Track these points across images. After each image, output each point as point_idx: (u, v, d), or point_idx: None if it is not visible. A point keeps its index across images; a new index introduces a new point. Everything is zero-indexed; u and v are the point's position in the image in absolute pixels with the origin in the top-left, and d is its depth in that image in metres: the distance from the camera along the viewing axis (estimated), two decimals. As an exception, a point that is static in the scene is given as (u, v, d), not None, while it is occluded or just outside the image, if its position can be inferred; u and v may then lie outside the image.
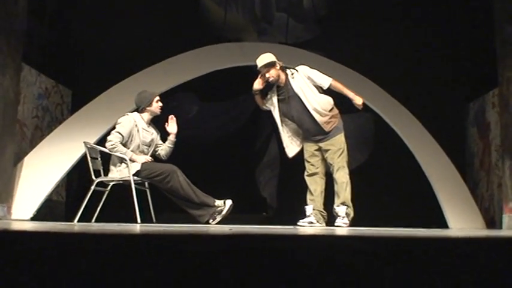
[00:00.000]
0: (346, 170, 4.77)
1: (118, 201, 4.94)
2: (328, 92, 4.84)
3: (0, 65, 5.21)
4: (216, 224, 4.60)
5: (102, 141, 5.23)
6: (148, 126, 4.93)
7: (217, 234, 1.87)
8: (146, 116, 4.92)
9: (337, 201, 4.75)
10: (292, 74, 4.82)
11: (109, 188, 4.97)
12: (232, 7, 7.60)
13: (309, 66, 4.90)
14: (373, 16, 7.29)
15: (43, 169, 5.79)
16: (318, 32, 7.60)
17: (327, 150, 4.80)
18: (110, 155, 4.77)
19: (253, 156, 7.65)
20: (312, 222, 4.73)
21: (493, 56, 5.89)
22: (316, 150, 4.85)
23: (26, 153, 5.91)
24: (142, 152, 4.85)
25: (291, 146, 4.93)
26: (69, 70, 7.14)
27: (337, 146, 4.77)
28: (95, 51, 7.15)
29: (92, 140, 5.55)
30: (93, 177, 4.79)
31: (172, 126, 5.01)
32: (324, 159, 4.85)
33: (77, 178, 6.81)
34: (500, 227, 5.70)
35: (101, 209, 4.96)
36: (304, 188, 4.88)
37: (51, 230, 2.07)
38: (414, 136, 6.61)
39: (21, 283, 1.49)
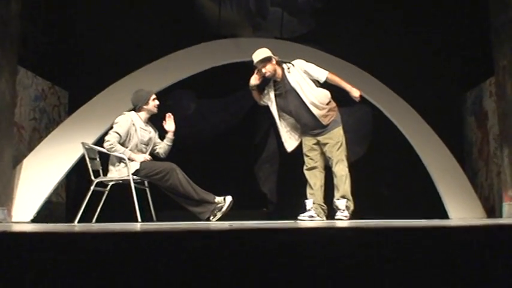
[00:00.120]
0: (345, 163, 4.77)
1: (118, 201, 4.93)
2: (325, 85, 4.84)
3: (-4, 68, 5.20)
4: (216, 220, 4.61)
5: (100, 141, 5.23)
6: (145, 125, 4.93)
7: (218, 230, 1.87)
8: (143, 114, 4.92)
9: (337, 194, 4.75)
10: (289, 68, 4.82)
11: (108, 188, 4.97)
12: (226, 3, 7.57)
13: (305, 60, 4.90)
14: (367, 8, 7.28)
15: (42, 171, 5.79)
16: (313, 26, 7.58)
17: (325, 144, 4.80)
18: (109, 155, 4.76)
19: (253, 152, 7.64)
20: (312, 216, 4.73)
21: (489, 45, 5.89)
22: (314, 144, 4.85)
23: (25, 156, 5.91)
24: (141, 151, 4.85)
25: (290, 141, 4.93)
26: (65, 71, 7.12)
27: (335, 139, 4.77)
28: (90, 51, 7.12)
29: (90, 140, 5.54)
30: (92, 177, 4.79)
31: (169, 124, 5.01)
32: (323, 153, 4.85)
33: (76, 179, 6.81)
34: (501, 216, 5.71)
35: (101, 209, 4.96)
36: (304, 182, 4.89)
37: (51, 231, 2.07)
38: (412, 127, 6.61)
39: (24, 285, 1.49)
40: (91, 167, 4.81)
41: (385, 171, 7.01)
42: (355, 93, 4.77)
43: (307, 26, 7.60)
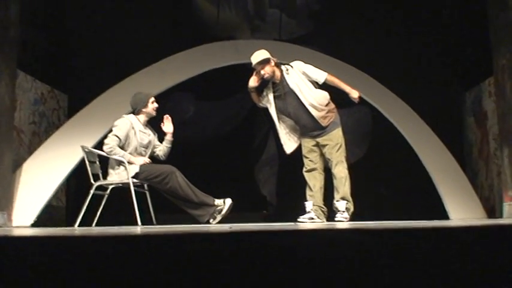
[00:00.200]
0: (345, 165, 4.77)
1: (118, 205, 4.93)
2: (324, 86, 4.84)
3: (-5, 72, 5.21)
4: (216, 223, 4.60)
5: (99, 144, 5.23)
6: (145, 128, 4.92)
7: (218, 232, 1.87)
8: (142, 117, 4.91)
9: (336, 196, 4.74)
10: (287, 70, 4.82)
11: (108, 191, 4.97)
12: (224, 5, 7.59)
13: (303, 61, 4.90)
14: (366, 9, 7.28)
15: (42, 175, 5.79)
16: (311, 27, 7.59)
17: (324, 145, 4.79)
18: (108, 158, 4.76)
19: (252, 154, 7.64)
20: (312, 218, 4.72)
21: (488, 45, 5.89)
22: (314, 145, 4.84)
23: (25, 160, 5.91)
24: (140, 154, 4.84)
25: (289, 143, 4.92)
26: (64, 75, 7.13)
27: (334, 141, 4.77)
28: (89, 55, 7.13)
29: (90, 143, 5.54)
30: (92, 181, 4.78)
31: (168, 125, 5.01)
32: (322, 155, 4.84)
33: (76, 183, 6.80)
34: (501, 216, 5.70)
35: (101, 212, 4.95)
36: (304, 184, 4.88)
37: (52, 235, 2.07)
38: (411, 128, 6.61)
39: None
40: (91, 170, 4.81)
41: (384, 171, 7.01)
42: (354, 94, 4.77)
43: (306, 27, 7.61)
